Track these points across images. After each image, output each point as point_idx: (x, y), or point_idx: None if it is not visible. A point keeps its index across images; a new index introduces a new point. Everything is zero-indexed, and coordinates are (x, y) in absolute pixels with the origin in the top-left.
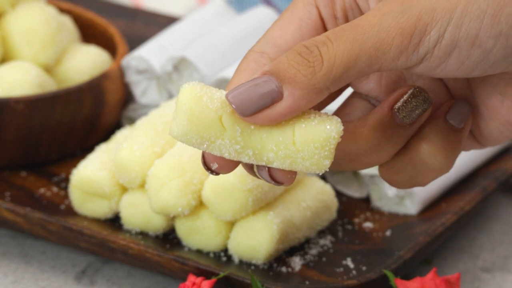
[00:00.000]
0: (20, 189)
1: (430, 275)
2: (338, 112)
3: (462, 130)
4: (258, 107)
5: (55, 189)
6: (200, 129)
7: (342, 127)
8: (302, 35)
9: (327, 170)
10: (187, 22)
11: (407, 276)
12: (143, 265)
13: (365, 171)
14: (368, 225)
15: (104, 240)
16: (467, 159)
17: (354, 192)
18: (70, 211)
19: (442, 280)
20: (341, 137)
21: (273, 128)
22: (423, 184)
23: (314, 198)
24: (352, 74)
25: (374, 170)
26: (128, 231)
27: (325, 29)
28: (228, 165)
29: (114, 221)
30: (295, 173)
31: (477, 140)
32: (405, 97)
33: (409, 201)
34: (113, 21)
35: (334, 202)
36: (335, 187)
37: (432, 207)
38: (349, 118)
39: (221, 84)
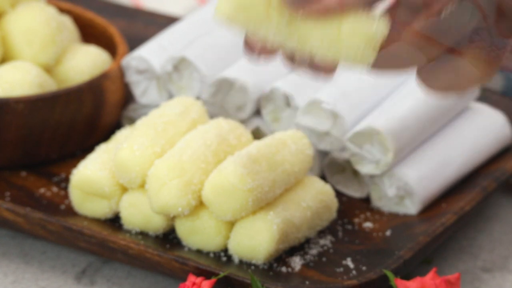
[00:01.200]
0: (20, 189)
1: (430, 275)
2: None
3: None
4: None
5: (55, 189)
6: (248, 11)
7: (386, 27)
8: None
9: (370, 64)
10: (187, 22)
11: (407, 276)
12: (143, 265)
13: (365, 171)
14: (368, 225)
15: (104, 240)
16: (467, 159)
17: (354, 192)
18: (70, 211)
19: (442, 280)
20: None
21: (321, 20)
22: (460, 89)
23: (314, 198)
24: None
25: (374, 170)
26: (128, 231)
27: None
28: (269, 52)
29: (114, 221)
30: (336, 64)
31: None
32: None
33: (409, 201)
34: (113, 21)
35: (334, 202)
36: (335, 187)
37: (432, 207)
38: None
39: (221, 84)
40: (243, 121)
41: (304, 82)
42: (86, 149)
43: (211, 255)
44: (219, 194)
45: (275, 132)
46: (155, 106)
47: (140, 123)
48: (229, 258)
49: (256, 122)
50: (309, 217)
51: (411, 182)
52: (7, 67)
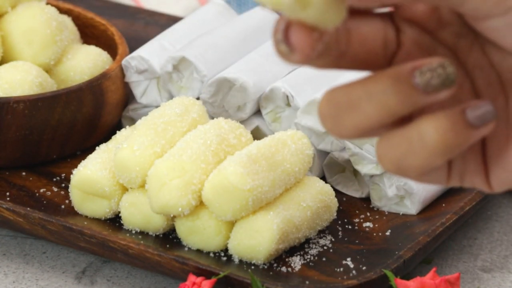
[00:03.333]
0: (20, 189)
1: (430, 275)
2: (351, 18)
3: (476, 128)
4: None
5: (55, 189)
6: None
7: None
8: None
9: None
10: (187, 22)
11: (407, 276)
12: (143, 265)
13: (365, 171)
14: (368, 225)
15: (104, 240)
16: None
17: (354, 192)
18: (70, 211)
19: (442, 280)
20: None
21: None
22: (411, 168)
23: (314, 198)
24: None
25: (374, 170)
26: (128, 231)
27: None
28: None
29: (114, 221)
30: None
31: (487, 175)
32: (432, 64)
33: (409, 201)
34: (113, 21)
35: (334, 202)
36: (335, 187)
37: (432, 207)
38: (355, 27)
39: (221, 84)
40: (243, 121)
41: (304, 82)
42: (86, 149)
43: (211, 255)
44: (219, 194)
45: (275, 132)
46: (155, 106)
47: (140, 123)
48: (229, 258)
49: (256, 122)
50: (309, 217)
51: (411, 182)
52: (7, 67)
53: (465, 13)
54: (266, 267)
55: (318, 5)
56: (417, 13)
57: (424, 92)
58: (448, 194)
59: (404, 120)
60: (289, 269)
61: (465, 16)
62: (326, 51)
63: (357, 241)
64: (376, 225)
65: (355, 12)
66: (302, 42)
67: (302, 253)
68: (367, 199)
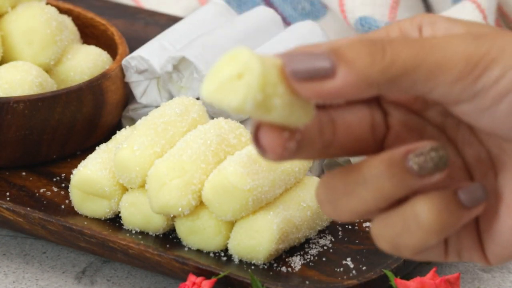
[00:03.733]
0: (20, 189)
1: (430, 275)
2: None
3: (468, 209)
4: (309, 75)
5: (55, 189)
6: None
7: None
8: None
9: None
10: (187, 22)
11: (407, 276)
12: (143, 265)
13: None
14: (368, 225)
15: (104, 240)
16: None
17: None
18: (70, 211)
19: (442, 280)
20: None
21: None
22: (406, 247)
23: (314, 198)
24: (407, 82)
25: None
26: (128, 231)
27: None
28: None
29: (114, 221)
30: (283, 137)
31: (483, 249)
32: (425, 148)
33: None
34: (113, 21)
35: None
36: None
37: None
38: (341, 116)
39: None
40: (243, 121)
41: None
42: (86, 149)
43: (211, 255)
44: (219, 194)
45: None
46: (155, 106)
47: (140, 123)
48: (229, 258)
49: None
50: (309, 217)
51: None
52: (7, 67)
53: (435, 100)
54: (266, 267)
55: (282, 108)
56: (401, 97)
57: (418, 176)
58: None
59: (399, 200)
60: (289, 269)
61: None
62: (306, 146)
63: (357, 241)
64: None
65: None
66: (272, 143)
67: (302, 253)
68: None
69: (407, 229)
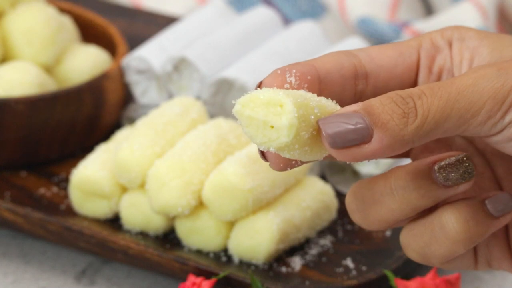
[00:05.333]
0: (20, 189)
1: (430, 275)
2: None
3: (496, 218)
4: (348, 143)
5: (55, 189)
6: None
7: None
8: (397, 65)
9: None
10: (187, 22)
11: (407, 276)
12: (143, 265)
13: (366, 171)
14: None
15: (104, 240)
16: None
17: None
18: (70, 211)
19: (442, 280)
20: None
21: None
22: (434, 257)
23: (314, 198)
24: (439, 132)
25: (374, 170)
26: (128, 231)
27: (416, 75)
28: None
29: (114, 221)
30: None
31: None
32: (451, 159)
33: None
34: (113, 21)
35: (334, 202)
36: (335, 187)
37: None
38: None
39: (221, 84)
40: None
41: None
42: (86, 149)
43: (211, 255)
44: (219, 194)
45: None
46: (155, 106)
47: (140, 123)
48: (229, 258)
49: None
50: (309, 217)
51: None
52: (7, 67)
53: (467, 136)
54: (266, 267)
55: (299, 153)
56: None
57: (444, 186)
58: None
59: (427, 209)
60: (289, 269)
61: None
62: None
63: (357, 241)
64: None
65: None
66: (278, 162)
67: (302, 253)
68: None
69: (435, 238)
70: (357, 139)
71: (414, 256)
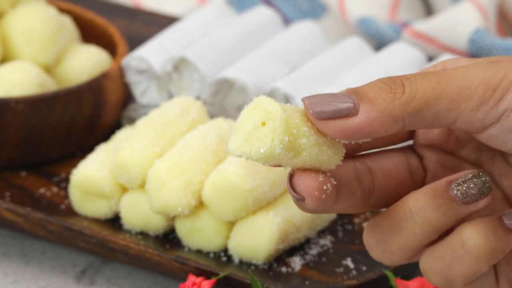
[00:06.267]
0: (20, 189)
1: None
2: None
3: None
4: (332, 113)
5: (55, 189)
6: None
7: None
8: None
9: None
10: (187, 22)
11: (407, 276)
12: (143, 265)
13: None
14: None
15: (104, 240)
16: None
17: None
18: (70, 211)
19: None
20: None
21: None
22: (457, 277)
23: None
24: (430, 113)
25: None
26: (128, 231)
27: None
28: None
29: (114, 221)
30: (317, 181)
31: None
32: (467, 175)
33: None
34: (113, 21)
35: None
36: None
37: None
38: (376, 165)
39: (221, 84)
40: None
41: (304, 82)
42: (86, 149)
43: (211, 255)
44: (219, 194)
45: None
46: (155, 106)
47: (140, 123)
48: (229, 258)
49: None
50: (309, 217)
51: None
52: (7, 67)
53: (462, 129)
54: (266, 267)
55: (310, 148)
56: (433, 138)
57: (463, 202)
58: None
59: (446, 232)
60: (289, 269)
61: (468, 131)
62: (345, 194)
63: (357, 241)
64: None
65: (375, 152)
66: (308, 187)
67: (302, 253)
68: None
69: (456, 258)
70: (343, 110)
71: (436, 280)
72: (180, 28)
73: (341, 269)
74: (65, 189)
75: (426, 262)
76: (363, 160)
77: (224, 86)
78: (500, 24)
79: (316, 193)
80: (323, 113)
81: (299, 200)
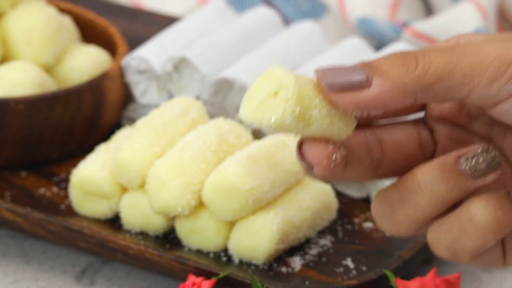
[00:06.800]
0: (20, 189)
1: (430, 275)
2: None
3: None
4: (344, 85)
5: (55, 189)
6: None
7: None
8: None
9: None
10: (187, 22)
11: (407, 276)
12: (143, 265)
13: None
14: (368, 225)
15: (104, 240)
16: None
17: (354, 192)
18: (70, 211)
19: (442, 280)
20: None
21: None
22: (464, 251)
23: (314, 198)
24: (443, 88)
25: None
26: (128, 231)
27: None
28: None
29: (114, 221)
30: (327, 151)
31: None
32: (476, 150)
33: None
34: (113, 21)
35: (334, 202)
36: (335, 187)
37: None
38: (387, 135)
39: (221, 84)
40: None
41: None
42: (86, 149)
43: (211, 255)
44: (219, 194)
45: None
46: (155, 106)
47: (140, 123)
48: (229, 258)
49: None
50: (309, 217)
51: None
52: (7, 67)
53: (474, 104)
54: (266, 267)
55: (321, 119)
56: (445, 112)
57: (472, 177)
58: None
59: (454, 205)
60: (289, 269)
61: (479, 106)
62: (354, 163)
63: (357, 241)
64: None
65: (386, 123)
66: (317, 155)
67: (302, 253)
68: (367, 199)
69: (463, 231)
70: (356, 83)
71: (443, 252)
72: (180, 28)
73: (341, 269)
74: (65, 189)
75: (434, 235)
76: (374, 130)
77: (224, 86)
78: (500, 24)
79: (324, 161)
80: (336, 85)
81: (308, 170)
